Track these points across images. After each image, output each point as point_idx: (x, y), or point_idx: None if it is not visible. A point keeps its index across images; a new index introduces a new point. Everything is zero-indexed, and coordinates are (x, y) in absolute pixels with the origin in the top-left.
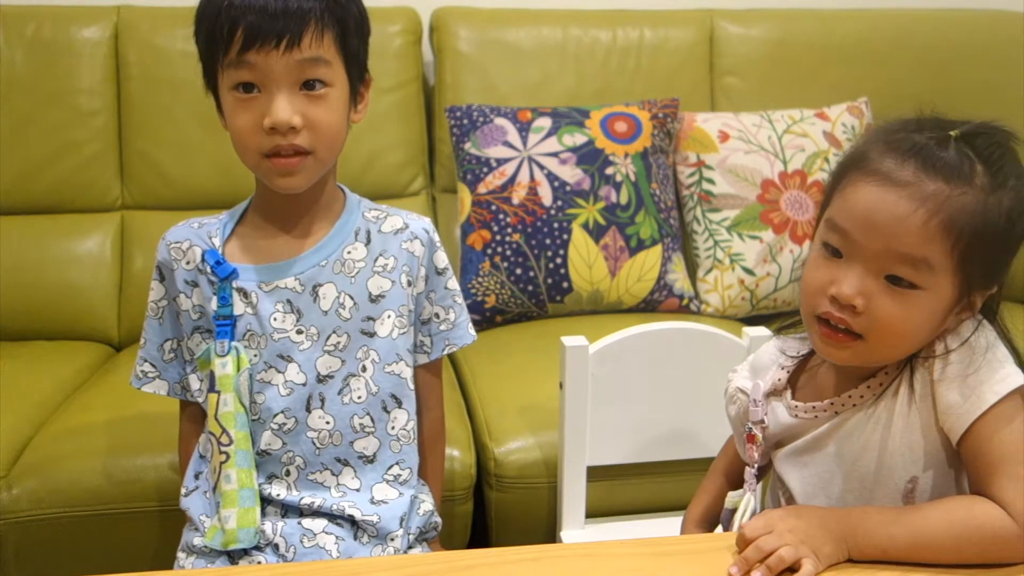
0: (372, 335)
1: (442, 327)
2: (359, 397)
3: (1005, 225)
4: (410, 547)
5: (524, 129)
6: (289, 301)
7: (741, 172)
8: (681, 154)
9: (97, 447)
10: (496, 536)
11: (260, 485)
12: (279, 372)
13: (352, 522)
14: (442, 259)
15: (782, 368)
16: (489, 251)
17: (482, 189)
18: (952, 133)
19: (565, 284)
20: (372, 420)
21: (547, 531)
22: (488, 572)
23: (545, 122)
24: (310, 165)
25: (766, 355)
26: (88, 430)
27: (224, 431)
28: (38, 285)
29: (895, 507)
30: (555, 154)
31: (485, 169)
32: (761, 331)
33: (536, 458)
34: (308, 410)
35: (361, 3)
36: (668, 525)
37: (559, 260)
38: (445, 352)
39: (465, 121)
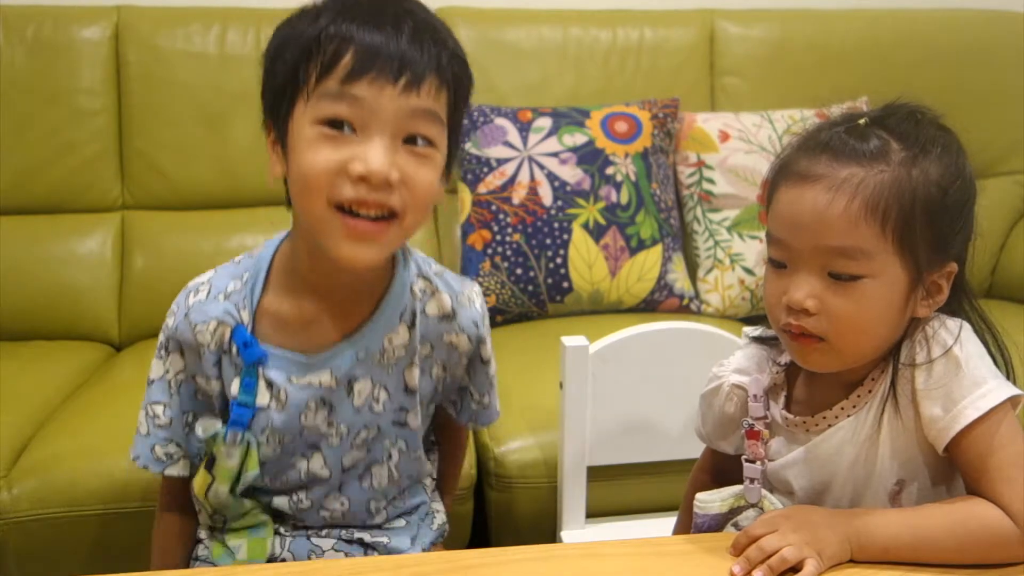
0: (404, 425)
1: (472, 405)
2: (379, 484)
3: (937, 194)
4: None
5: (524, 129)
6: (322, 398)
7: (741, 172)
8: (681, 154)
9: (97, 447)
10: (496, 536)
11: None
12: (304, 457)
13: (362, 543)
14: (487, 351)
15: (777, 364)
16: (489, 251)
17: (482, 189)
18: (860, 121)
19: (565, 284)
20: (388, 501)
21: (547, 531)
22: (488, 572)
23: (545, 122)
24: (393, 236)
25: (749, 359)
26: (88, 430)
27: (216, 512)
28: (38, 285)
29: (897, 508)
30: (555, 154)
31: (485, 169)
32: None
33: (536, 458)
34: (325, 495)
35: (472, 76)
36: (668, 525)
37: (559, 260)
38: (467, 425)
39: (465, 121)
